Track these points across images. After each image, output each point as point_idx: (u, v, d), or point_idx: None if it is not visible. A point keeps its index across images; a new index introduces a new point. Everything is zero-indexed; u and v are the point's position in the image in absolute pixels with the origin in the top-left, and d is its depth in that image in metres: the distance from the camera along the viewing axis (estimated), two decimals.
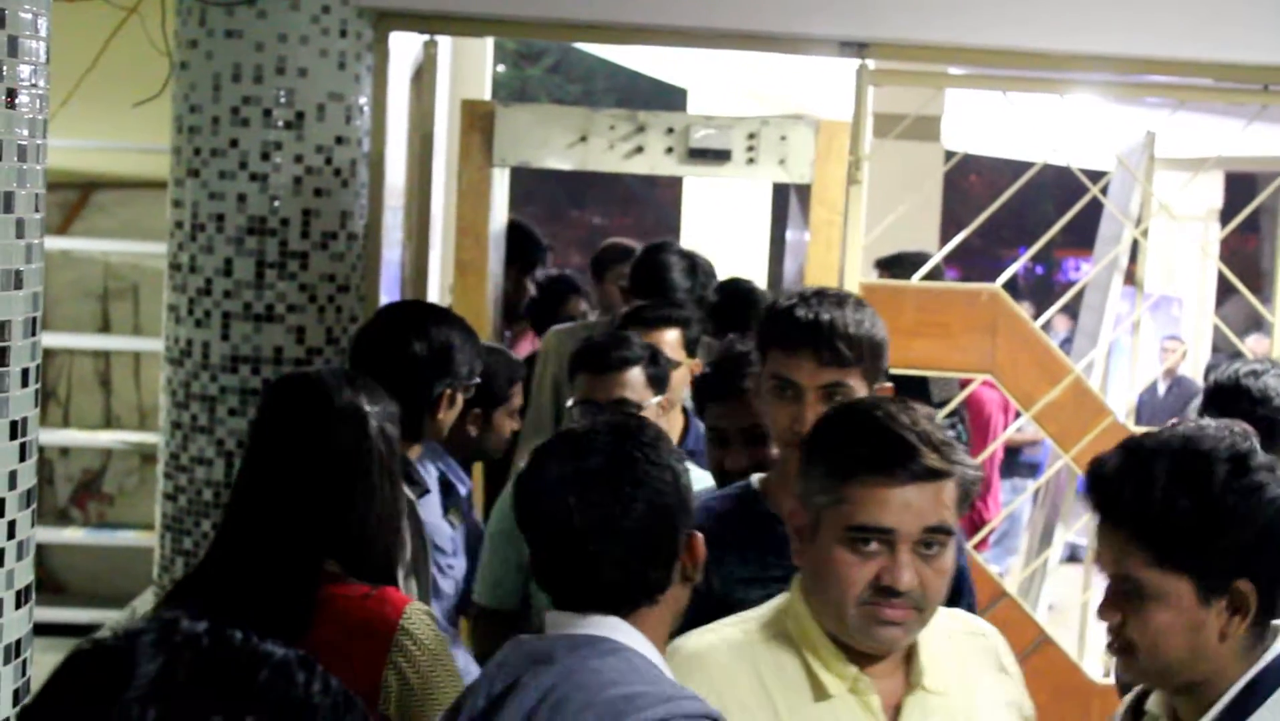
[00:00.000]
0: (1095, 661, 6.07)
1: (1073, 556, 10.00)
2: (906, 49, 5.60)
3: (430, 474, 4.08)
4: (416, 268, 5.94)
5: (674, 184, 15.53)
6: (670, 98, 14.49)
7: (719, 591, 3.06)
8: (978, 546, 6.80)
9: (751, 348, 3.70)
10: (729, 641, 2.59)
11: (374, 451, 3.02)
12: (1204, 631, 2.34)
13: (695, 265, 5.51)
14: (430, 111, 5.76)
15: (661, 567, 2.40)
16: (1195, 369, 11.70)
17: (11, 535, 2.57)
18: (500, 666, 2.39)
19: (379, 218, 5.47)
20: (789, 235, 6.43)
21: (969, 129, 9.72)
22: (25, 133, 2.55)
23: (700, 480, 4.14)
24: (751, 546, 3.15)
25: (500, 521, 4.28)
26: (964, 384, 6.58)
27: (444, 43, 5.90)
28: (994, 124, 9.62)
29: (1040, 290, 24.54)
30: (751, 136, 5.63)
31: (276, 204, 5.11)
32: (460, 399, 3.84)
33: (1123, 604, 2.38)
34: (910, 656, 2.58)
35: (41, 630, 2.79)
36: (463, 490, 4.34)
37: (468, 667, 3.42)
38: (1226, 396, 4.31)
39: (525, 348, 6.55)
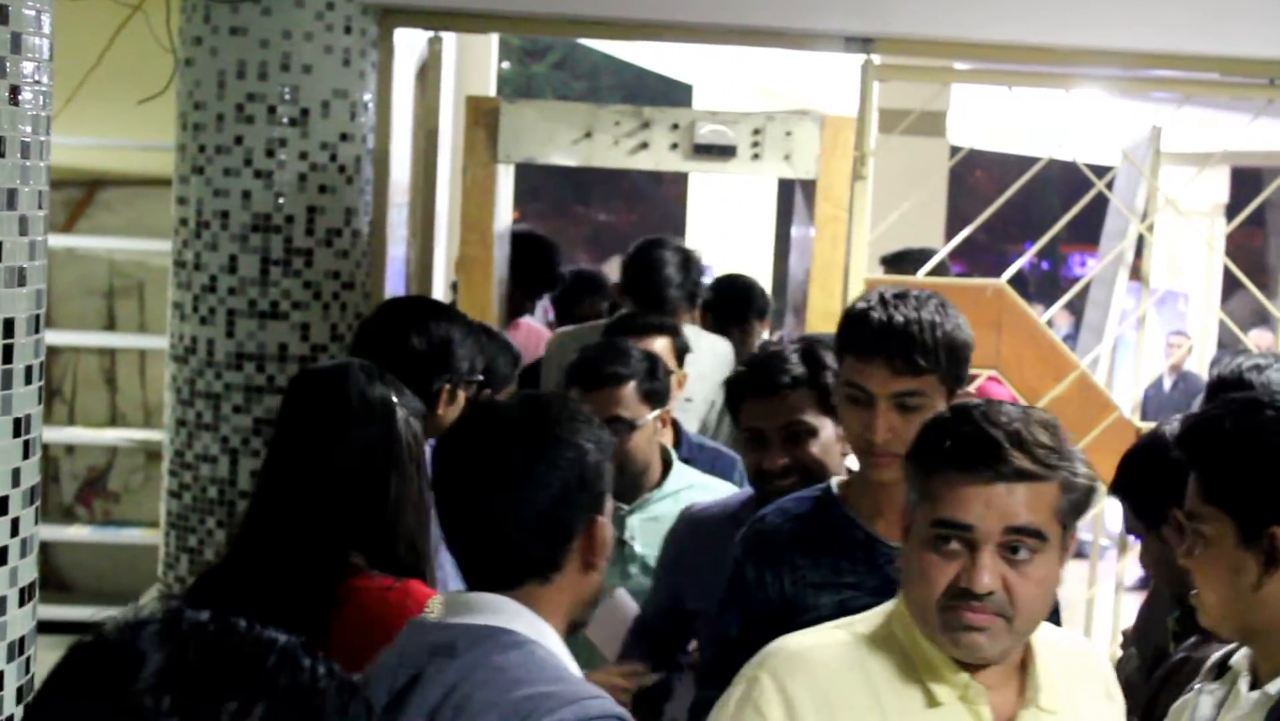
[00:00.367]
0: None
1: (1078, 552, 9.99)
2: (912, 44, 5.59)
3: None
4: (421, 264, 5.94)
5: (679, 180, 15.53)
6: (675, 94, 14.50)
7: (789, 593, 3.05)
8: None
9: (787, 346, 3.68)
10: (836, 642, 2.50)
11: (403, 444, 3.01)
12: (1243, 575, 2.38)
13: (688, 261, 5.40)
14: (435, 108, 5.76)
15: (553, 544, 2.34)
16: (1201, 364, 11.68)
17: (15, 532, 2.57)
18: (401, 657, 2.34)
19: (384, 214, 5.47)
20: (794, 231, 6.42)
21: (974, 124, 9.70)
22: (29, 129, 2.54)
23: (707, 487, 4.13)
24: (825, 551, 3.08)
25: None
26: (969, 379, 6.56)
27: (448, 39, 5.90)
28: (999, 119, 9.61)
29: (1045, 285, 24.53)
30: (757, 132, 5.63)
31: (281, 201, 5.11)
32: (461, 395, 3.83)
33: (1191, 545, 2.48)
34: (1025, 669, 2.48)
35: (46, 627, 2.78)
36: None
37: None
38: (1229, 390, 4.32)
39: (520, 336, 6.51)
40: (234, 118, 5.10)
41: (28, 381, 2.59)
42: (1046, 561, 2.38)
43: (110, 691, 1.27)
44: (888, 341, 2.98)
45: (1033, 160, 6.05)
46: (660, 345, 4.62)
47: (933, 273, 6.09)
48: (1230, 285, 12.35)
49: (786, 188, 9.89)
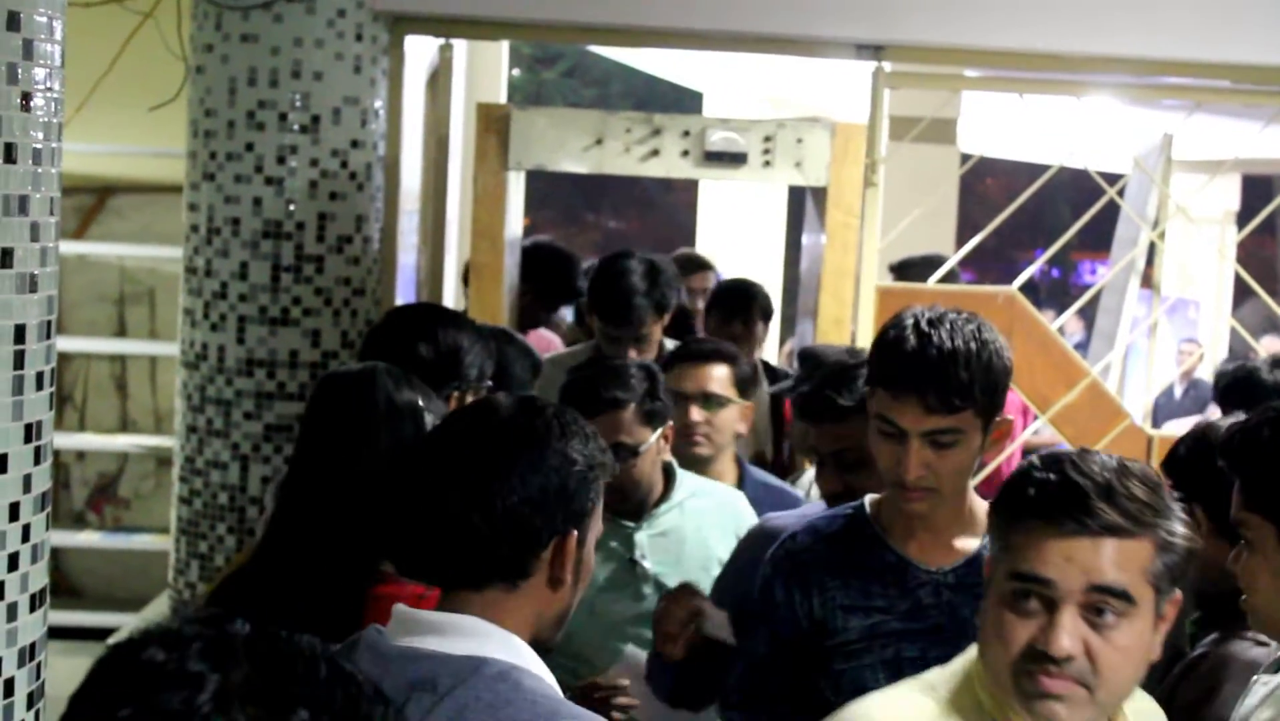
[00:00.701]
0: None
1: None
2: (922, 51, 5.59)
3: None
4: (432, 271, 5.94)
5: (689, 188, 15.54)
6: (686, 102, 14.50)
7: (819, 615, 2.97)
8: None
9: (856, 362, 3.53)
10: (920, 710, 2.31)
11: None
12: None
13: (655, 271, 5.11)
14: (446, 115, 5.76)
15: (520, 548, 2.24)
16: (1211, 372, 11.66)
17: (26, 538, 2.57)
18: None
19: (394, 221, 5.48)
20: (805, 238, 6.41)
21: (985, 132, 9.70)
22: (40, 136, 2.54)
23: (712, 493, 3.99)
24: (855, 573, 2.98)
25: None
26: None
27: (459, 46, 5.91)
28: (1010, 126, 9.60)
29: (1056, 293, 24.50)
30: (767, 139, 5.62)
31: (292, 208, 5.11)
32: (470, 401, 3.81)
33: (1238, 552, 2.50)
34: None
35: (57, 633, 2.78)
36: None
37: None
38: (1239, 391, 4.36)
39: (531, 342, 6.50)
40: (245, 124, 5.11)
41: (39, 387, 2.59)
42: (1136, 627, 2.18)
43: (174, 718, 1.24)
44: (922, 378, 2.83)
45: (1044, 168, 6.05)
46: (720, 373, 4.35)
47: (942, 280, 6.09)
48: (1241, 292, 12.33)
49: (797, 195, 9.89)
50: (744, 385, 4.38)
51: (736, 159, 5.64)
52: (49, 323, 2.63)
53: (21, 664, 2.57)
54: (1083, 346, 10.79)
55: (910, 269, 6.58)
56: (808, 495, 4.48)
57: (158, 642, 1.29)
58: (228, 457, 5.16)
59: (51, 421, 2.67)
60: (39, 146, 2.55)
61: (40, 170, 2.56)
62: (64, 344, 4.88)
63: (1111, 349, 7.37)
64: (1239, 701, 2.61)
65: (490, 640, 2.21)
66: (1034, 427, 7.21)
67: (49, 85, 2.56)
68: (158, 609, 6.49)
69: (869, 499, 3.09)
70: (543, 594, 2.28)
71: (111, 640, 1.39)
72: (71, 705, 1.30)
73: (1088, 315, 11.87)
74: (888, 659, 2.91)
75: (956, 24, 5.44)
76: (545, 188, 21.82)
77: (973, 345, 2.86)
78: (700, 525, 3.97)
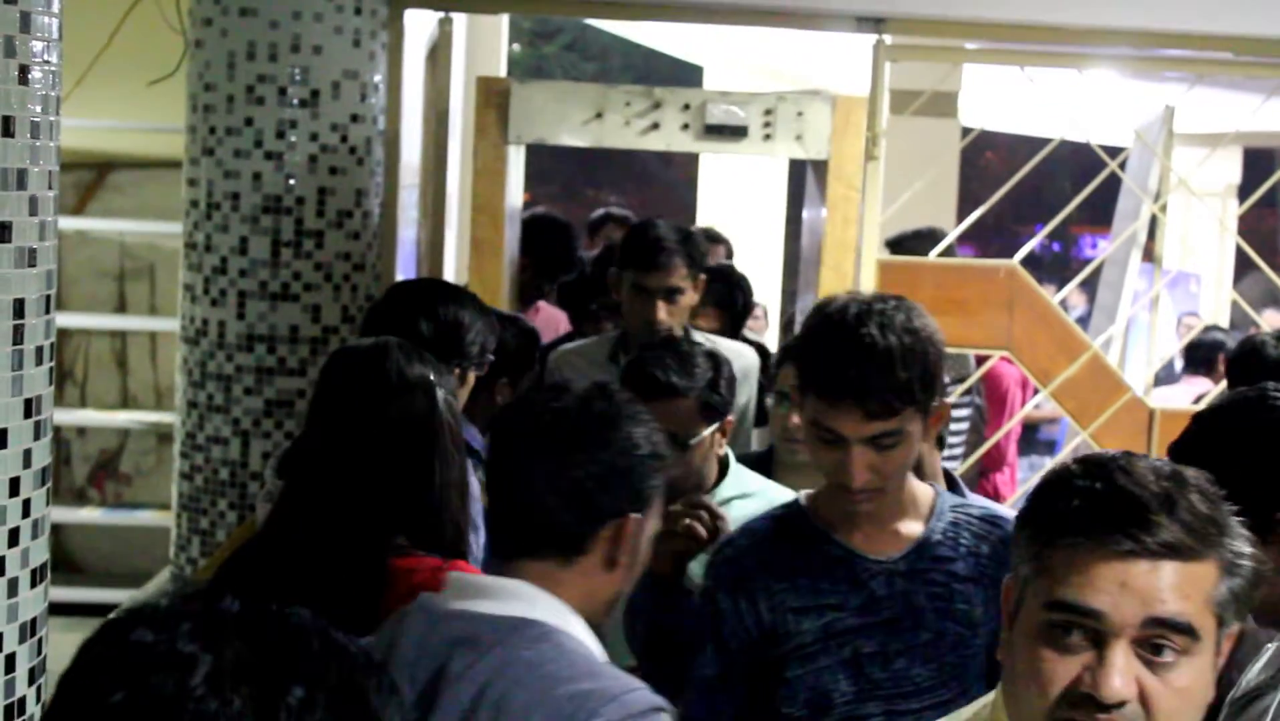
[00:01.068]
0: None
1: None
2: (924, 24, 5.58)
3: None
4: (432, 246, 5.93)
5: (689, 162, 15.51)
6: (686, 75, 14.46)
7: (768, 621, 2.84)
8: None
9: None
10: None
11: (444, 422, 2.99)
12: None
13: (687, 232, 4.87)
14: (445, 89, 5.75)
15: (581, 521, 2.30)
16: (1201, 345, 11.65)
17: (27, 513, 2.56)
18: (421, 649, 2.28)
19: (394, 196, 5.47)
20: (805, 212, 6.40)
21: (986, 105, 9.68)
22: (38, 109, 2.54)
23: (763, 495, 3.72)
24: (802, 572, 2.84)
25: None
26: (981, 360, 6.56)
27: (459, 20, 5.89)
28: (1011, 100, 9.59)
29: (1056, 267, 24.49)
30: (768, 112, 5.61)
31: (292, 182, 5.10)
32: (471, 377, 3.80)
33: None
34: None
35: (58, 610, 2.78)
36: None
37: None
38: (1249, 362, 4.37)
39: (540, 321, 6.48)
40: (244, 99, 5.10)
41: (39, 362, 2.59)
42: (1197, 666, 1.83)
43: (167, 702, 1.21)
44: (859, 385, 2.66)
45: (1044, 141, 6.04)
46: (680, 411, 3.70)
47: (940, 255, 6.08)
48: (1242, 266, 12.32)
49: (797, 168, 9.87)
50: (710, 408, 3.76)
51: (737, 132, 5.62)
52: (48, 297, 2.63)
53: (23, 639, 2.57)
54: (1085, 320, 10.79)
55: (905, 244, 6.57)
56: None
57: (146, 623, 1.27)
58: (228, 433, 5.15)
59: (51, 396, 2.66)
60: (37, 120, 2.54)
61: (39, 144, 2.55)
62: (64, 320, 4.88)
63: (1113, 322, 7.36)
64: (1248, 666, 2.61)
65: (537, 604, 2.26)
66: (1035, 401, 7.21)
67: (47, 58, 2.55)
68: (159, 584, 6.49)
69: (804, 494, 2.96)
70: (597, 573, 2.33)
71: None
72: (60, 688, 1.27)
73: (1090, 289, 11.87)
74: (846, 658, 2.80)
75: None
76: (545, 163, 21.78)
77: (906, 339, 2.71)
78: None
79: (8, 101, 2.47)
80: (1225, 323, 11.83)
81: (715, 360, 3.77)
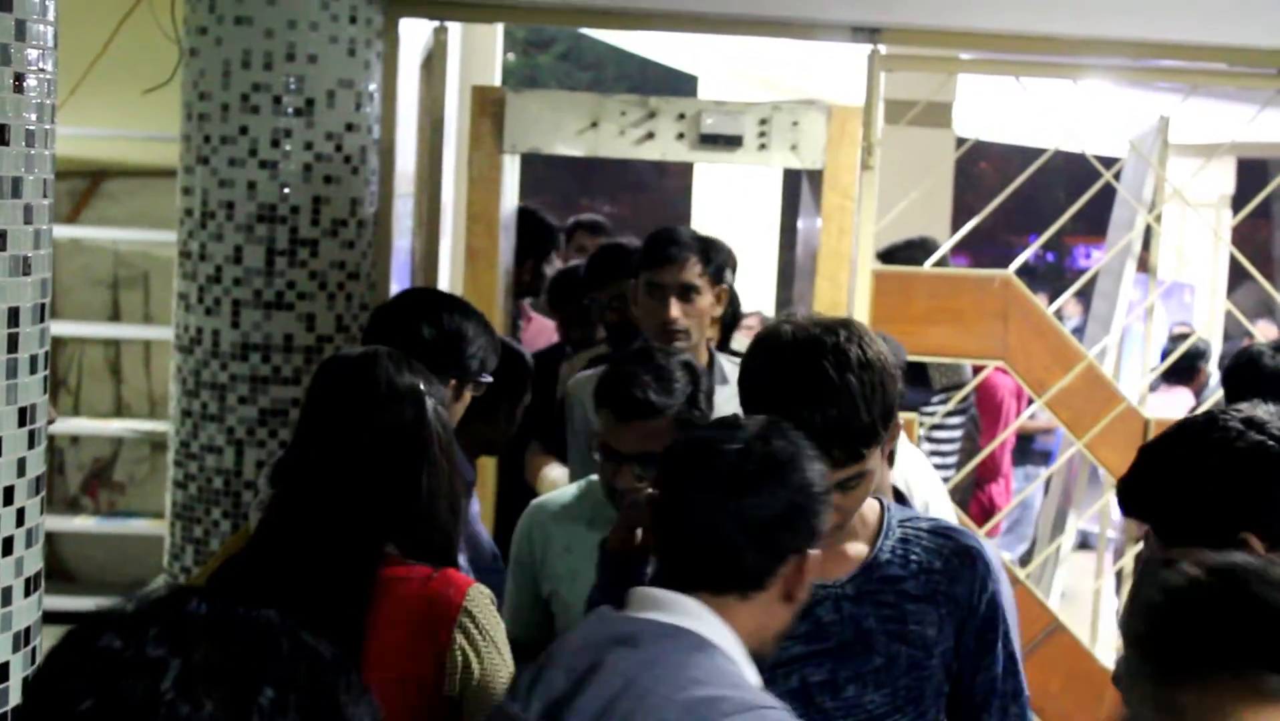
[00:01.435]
0: (1108, 648, 6.05)
1: (1084, 544, 9.98)
2: (918, 34, 5.58)
3: None
4: (427, 255, 5.93)
5: (684, 171, 15.50)
6: (681, 85, 14.46)
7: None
8: (989, 533, 6.79)
9: None
10: None
11: (433, 432, 2.99)
12: None
13: (704, 237, 4.80)
14: (441, 98, 5.75)
15: (766, 559, 2.35)
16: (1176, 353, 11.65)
17: (20, 522, 2.56)
18: (583, 644, 2.36)
19: (389, 205, 5.46)
20: (800, 222, 6.40)
21: (981, 115, 9.68)
22: (33, 117, 2.53)
23: None
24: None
25: (518, 549, 3.81)
26: (976, 370, 6.56)
27: (454, 29, 5.89)
28: (1006, 110, 9.59)
29: (1052, 277, 24.50)
30: (763, 122, 5.61)
31: (286, 191, 5.10)
32: (468, 394, 3.76)
33: None
34: None
35: (51, 618, 2.77)
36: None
37: None
38: (1245, 374, 4.36)
39: (532, 330, 6.46)
40: (239, 108, 5.10)
41: (33, 371, 2.58)
42: None
43: (138, 707, 1.20)
44: (824, 436, 2.51)
45: (1039, 151, 6.04)
46: (658, 430, 3.62)
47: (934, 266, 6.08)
48: (1236, 276, 12.33)
49: (792, 178, 9.88)
50: (690, 425, 3.58)
51: (732, 142, 5.63)
52: (43, 305, 2.62)
53: (16, 648, 2.57)
54: (1080, 330, 10.79)
55: (896, 255, 6.57)
56: None
57: (114, 628, 1.26)
58: (222, 442, 5.15)
59: (45, 404, 2.66)
60: (32, 128, 2.53)
61: (33, 152, 2.54)
62: (58, 328, 4.86)
63: (1107, 332, 7.36)
64: None
65: (704, 621, 2.32)
66: (1030, 411, 7.21)
67: (42, 66, 2.55)
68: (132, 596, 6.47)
69: None
70: (772, 607, 2.39)
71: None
72: (28, 696, 1.26)
73: (1086, 298, 11.87)
74: (794, 688, 2.69)
75: (952, 7, 5.43)
76: (540, 172, 21.78)
77: (865, 375, 2.56)
78: None
79: (3, 109, 2.47)
80: (1219, 334, 11.84)
81: (692, 371, 3.63)
